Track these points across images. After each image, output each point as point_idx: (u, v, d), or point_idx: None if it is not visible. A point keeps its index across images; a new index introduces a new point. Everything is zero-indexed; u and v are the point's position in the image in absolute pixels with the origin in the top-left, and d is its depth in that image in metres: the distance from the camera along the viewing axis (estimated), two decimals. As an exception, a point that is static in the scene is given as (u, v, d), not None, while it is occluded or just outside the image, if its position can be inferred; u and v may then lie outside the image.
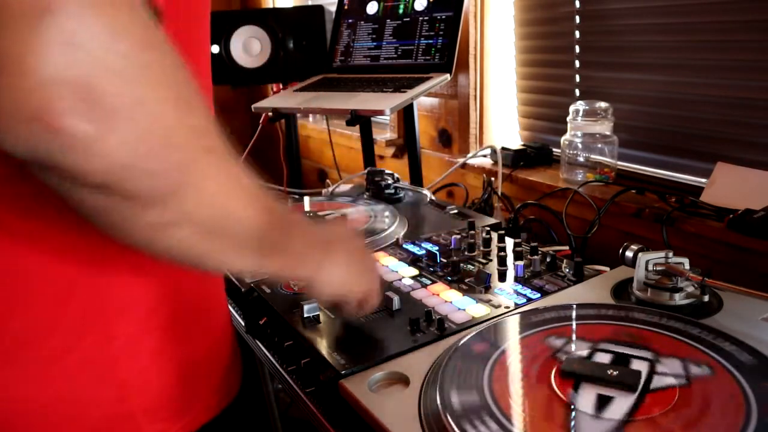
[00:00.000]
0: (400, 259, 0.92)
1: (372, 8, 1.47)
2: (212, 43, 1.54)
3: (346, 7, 1.52)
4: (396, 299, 0.75)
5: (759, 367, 0.56)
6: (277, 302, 0.79)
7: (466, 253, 0.93)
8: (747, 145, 1.06)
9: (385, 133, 1.86)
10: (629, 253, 0.78)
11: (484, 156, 1.45)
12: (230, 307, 0.87)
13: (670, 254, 0.74)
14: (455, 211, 1.15)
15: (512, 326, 0.68)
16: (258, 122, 1.79)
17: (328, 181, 1.94)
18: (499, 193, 1.29)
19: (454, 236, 0.96)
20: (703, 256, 0.96)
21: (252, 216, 0.48)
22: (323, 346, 0.68)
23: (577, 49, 1.33)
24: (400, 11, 1.41)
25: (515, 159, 1.35)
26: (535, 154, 1.37)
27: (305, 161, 2.23)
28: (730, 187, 1.02)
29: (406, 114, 1.46)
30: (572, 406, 0.53)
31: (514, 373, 0.59)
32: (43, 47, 0.34)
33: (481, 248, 0.94)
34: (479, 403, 0.54)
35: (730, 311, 0.70)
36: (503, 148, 1.37)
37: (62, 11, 0.34)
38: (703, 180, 1.11)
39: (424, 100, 1.65)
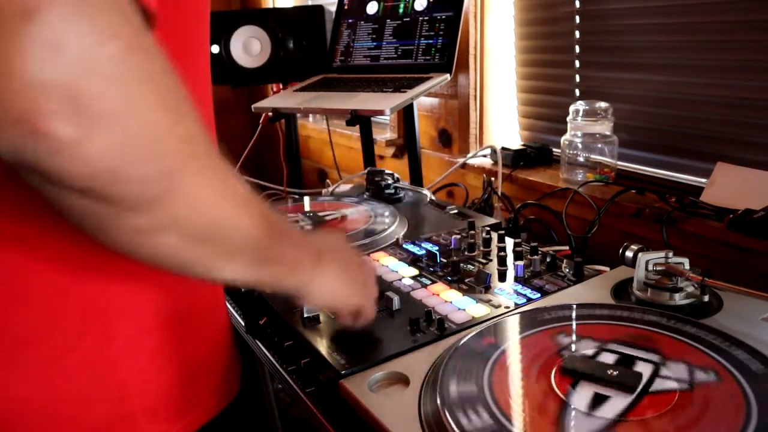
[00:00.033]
0: (400, 259, 0.92)
1: (372, 8, 1.47)
2: (212, 43, 1.54)
3: (346, 7, 1.52)
4: (396, 299, 0.75)
5: (759, 367, 0.56)
6: (277, 302, 0.79)
7: (466, 253, 0.93)
8: (747, 145, 1.06)
9: (385, 133, 1.85)
10: (629, 253, 0.78)
11: (484, 156, 1.45)
12: (230, 307, 0.87)
13: (670, 254, 0.74)
14: (455, 211, 1.15)
15: (512, 326, 0.68)
16: (258, 122, 1.79)
17: (328, 181, 1.94)
18: (499, 193, 1.29)
19: (454, 236, 0.96)
20: (703, 256, 0.96)
21: (248, 224, 0.48)
22: (323, 346, 0.68)
23: (577, 49, 1.33)
24: (400, 11, 1.41)
25: (515, 159, 1.35)
26: (535, 154, 1.37)
27: (305, 161, 2.23)
28: (730, 187, 1.02)
29: (406, 114, 1.46)
30: (567, 403, 0.53)
31: (514, 372, 0.59)
32: (29, 49, 0.33)
33: (481, 248, 0.94)
34: (476, 394, 0.54)
35: (730, 311, 0.70)
36: (503, 148, 1.37)
37: (50, 13, 0.34)
38: (703, 180, 1.11)
39: (424, 100, 1.65)
